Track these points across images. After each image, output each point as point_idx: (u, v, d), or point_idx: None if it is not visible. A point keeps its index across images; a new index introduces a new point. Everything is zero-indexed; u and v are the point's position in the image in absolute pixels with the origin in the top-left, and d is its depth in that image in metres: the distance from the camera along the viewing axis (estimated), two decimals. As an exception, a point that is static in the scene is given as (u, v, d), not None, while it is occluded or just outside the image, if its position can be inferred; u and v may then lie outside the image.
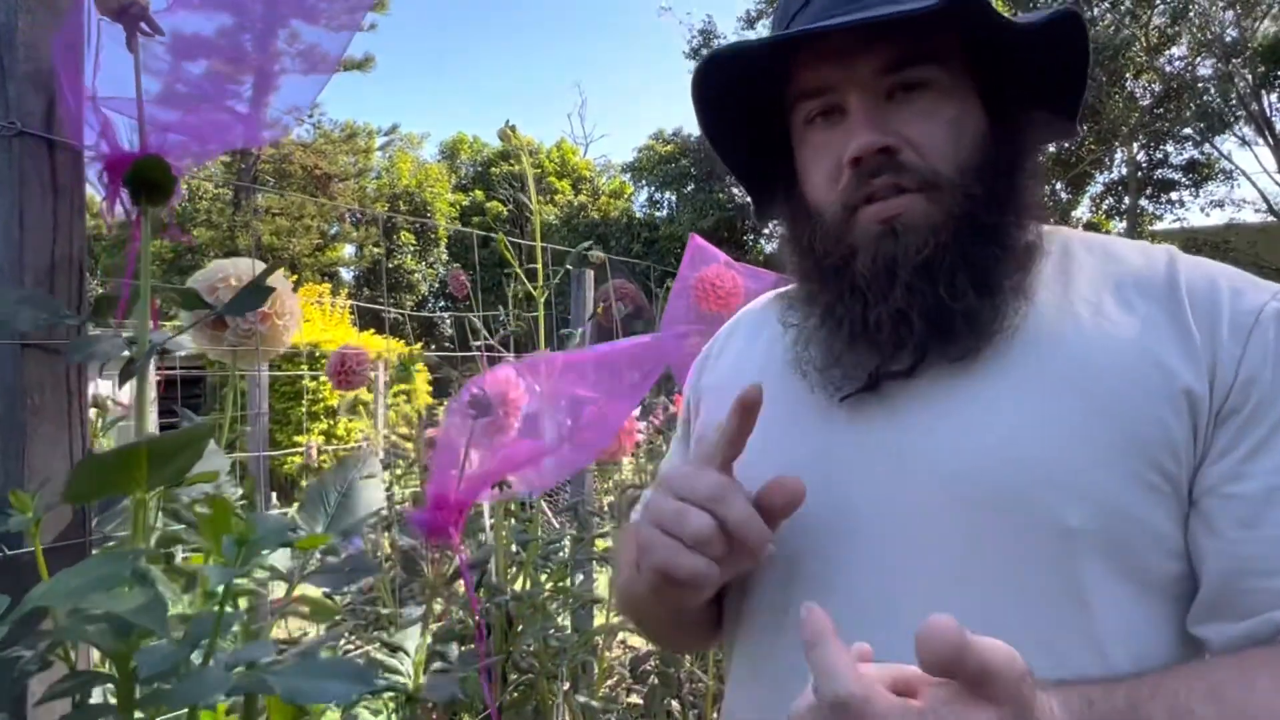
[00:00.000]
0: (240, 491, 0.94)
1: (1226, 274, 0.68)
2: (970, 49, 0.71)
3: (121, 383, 0.76)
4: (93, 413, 1.26)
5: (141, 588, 0.58)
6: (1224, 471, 0.61)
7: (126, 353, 0.76)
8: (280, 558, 0.81)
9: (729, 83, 0.75)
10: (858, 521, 0.68)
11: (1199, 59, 16.20)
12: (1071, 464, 0.62)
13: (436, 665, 0.95)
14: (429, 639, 0.97)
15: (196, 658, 0.63)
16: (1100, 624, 0.61)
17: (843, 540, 0.68)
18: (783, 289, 0.84)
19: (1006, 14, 0.70)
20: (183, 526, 0.82)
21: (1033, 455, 0.62)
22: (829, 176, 0.72)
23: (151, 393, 0.86)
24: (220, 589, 0.61)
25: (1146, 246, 0.73)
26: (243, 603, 0.79)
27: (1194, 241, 17.08)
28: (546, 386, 0.82)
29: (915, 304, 0.66)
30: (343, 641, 1.64)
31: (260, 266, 0.97)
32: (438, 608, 1.46)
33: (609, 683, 1.81)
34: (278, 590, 0.83)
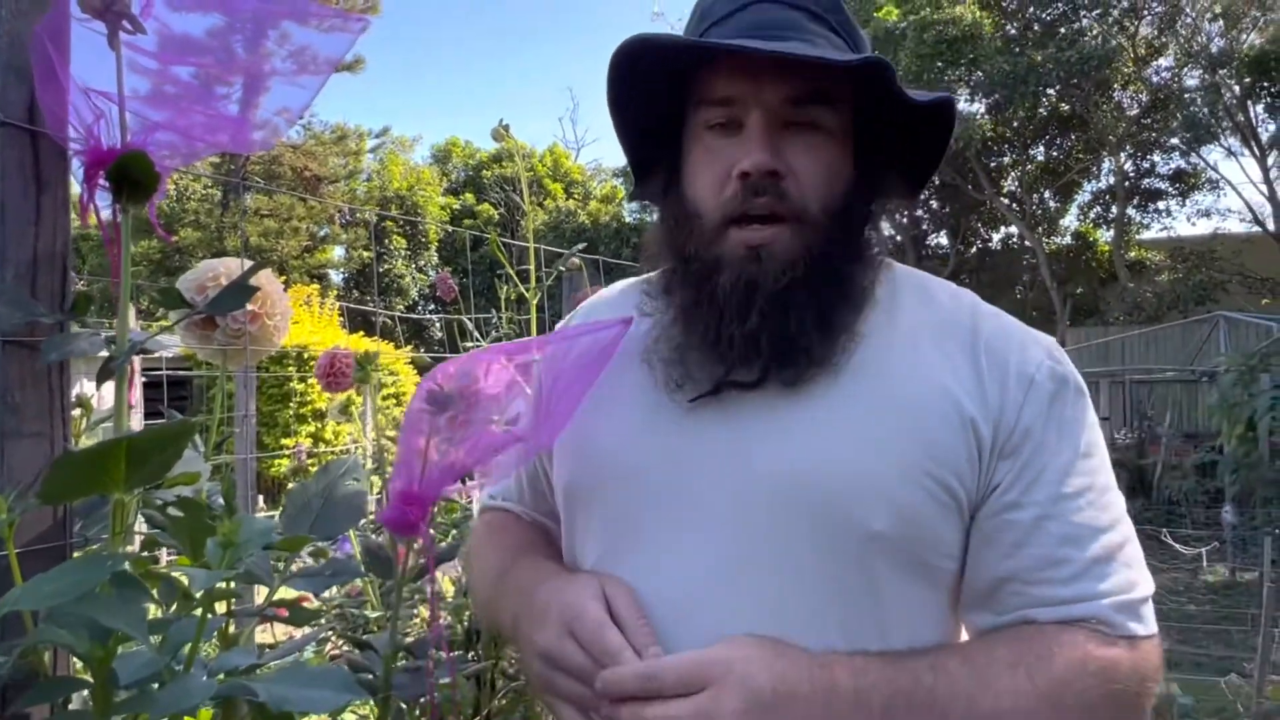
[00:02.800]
0: (219, 499, 0.92)
1: (1016, 329, 0.81)
2: (859, 102, 0.79)
3: (100, 382, 0.75)
4: (76, 412, 1.23)
5: (120, 591, 0.56)
6: (1006, 502, 0.75)
7: (105, 352, 0.74)
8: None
9: (645, 68, 0.79)
10: (695, 509, 0.76)
11: (1186, 70, 16.34)
12: (881, 479, 0.73)
13: (404, 663, 0.93)
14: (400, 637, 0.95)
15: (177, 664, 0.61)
16: (888, 611, 0.74)
17: (681, 515, 0.77)
18: (643, 279, 0.90)
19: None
20: (158, 530, 0.80)
21: (850, 470, 0.74)
22: (716, 182, 0.78)
23: (137, 394, 0.84)
24: (201, 593, 0.59)
25: (956, 291, 0.85)
26: (220, 607, 0.77)
27: (1180, 251, 17.21)
28: (505, 375, 0.81)
29: (767, 331, 0.75)
30: (328, 647, 1.62)
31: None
32: (424, 611, 1.44)
33: (598, 689, 1.79)
34: (260, 596, 0.81)
